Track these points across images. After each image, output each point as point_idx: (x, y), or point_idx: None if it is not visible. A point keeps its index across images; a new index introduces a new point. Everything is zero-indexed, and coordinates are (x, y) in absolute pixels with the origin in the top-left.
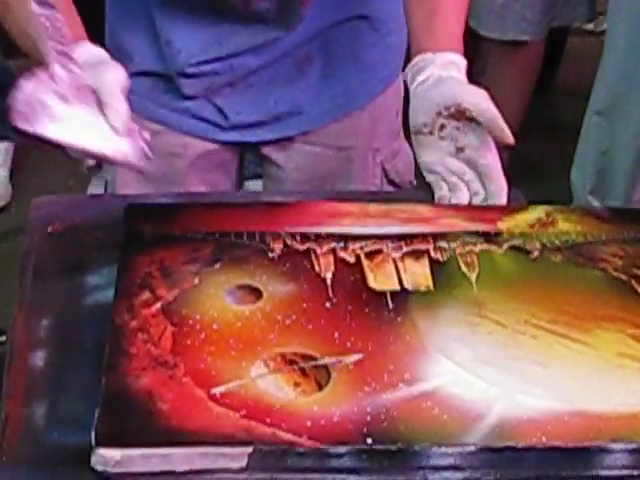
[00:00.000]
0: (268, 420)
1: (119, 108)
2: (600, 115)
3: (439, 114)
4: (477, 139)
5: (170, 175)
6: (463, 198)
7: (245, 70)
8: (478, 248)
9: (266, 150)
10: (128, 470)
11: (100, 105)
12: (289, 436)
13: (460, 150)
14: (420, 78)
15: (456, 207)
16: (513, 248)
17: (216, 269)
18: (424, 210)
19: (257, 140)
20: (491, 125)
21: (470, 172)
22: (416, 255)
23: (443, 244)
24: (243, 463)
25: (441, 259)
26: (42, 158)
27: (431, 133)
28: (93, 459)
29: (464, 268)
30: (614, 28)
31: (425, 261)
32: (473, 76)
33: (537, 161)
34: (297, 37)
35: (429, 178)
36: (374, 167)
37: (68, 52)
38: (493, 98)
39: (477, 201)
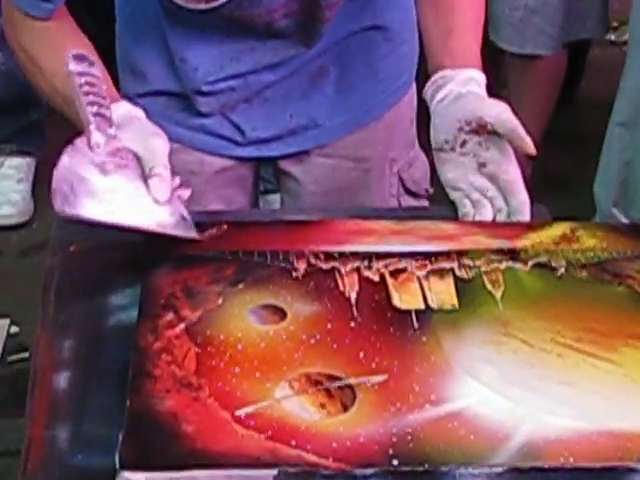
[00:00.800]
0: (293, 442)
1: (167, 178)
2: (623, 126)
3: (460, 130)
4: (499, 153)
5: None
6: (487, 215)
7: (260, 85)
8: (503, 265)
9: (283, 164)
10: None
11: (143, 172)
12: (314, 458)
13: (482, 165)
14: (439, 96)
15: (480, 224)
16: (538, 265)
17: (240, 289)
18: (448, 228)
19: (274, 155)
20: (512, 136)
21: (493, 188)
22: (441, 273)
23: (468, 262)
24: None
25: (466, 277)
26: None
27: (453, 149)
28: None
29: (489, 286)
30: (636, 38)
31: (450, 279)
32: (494, 89)
33: (560, 174)
34: (311, 51)
35: (452, 195)
36: (391, 177)
37: (106, 114)
38: (515, 111)
39: (501, 217)
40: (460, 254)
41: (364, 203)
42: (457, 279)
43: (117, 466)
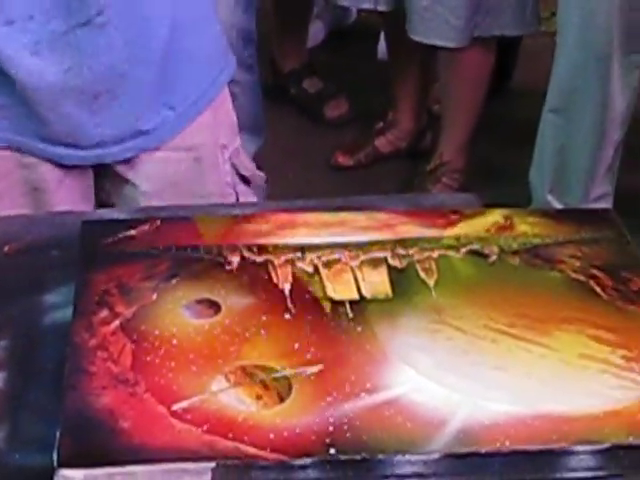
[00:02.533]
0: (230, 434)
1: None
2: (555, 113)
3: None
4: None
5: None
6: None
7: (106, 83)
8: (436, 254)
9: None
10: None
11: None
12: (252, 450)
13: None
14: None
15: (412, 213)
16: (471, 252)
17: (174, 284)
18: (380, 217)
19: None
20: None
21: None
22: (374, 263)
23: (401, 251)
24: (207, 478)
25: (399, 266)
26: None
27: None
28: None
29: (422, 274)
30: (565, 27)
31: (383, 269)
32: (429, 82)
33: (496, 163)
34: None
35: None
36: (224, 164)
37: None
38: (445, 105)
39: None
40: (393, 243)
41: (201, 195)
42: (390, 268)
43: (55, 464)
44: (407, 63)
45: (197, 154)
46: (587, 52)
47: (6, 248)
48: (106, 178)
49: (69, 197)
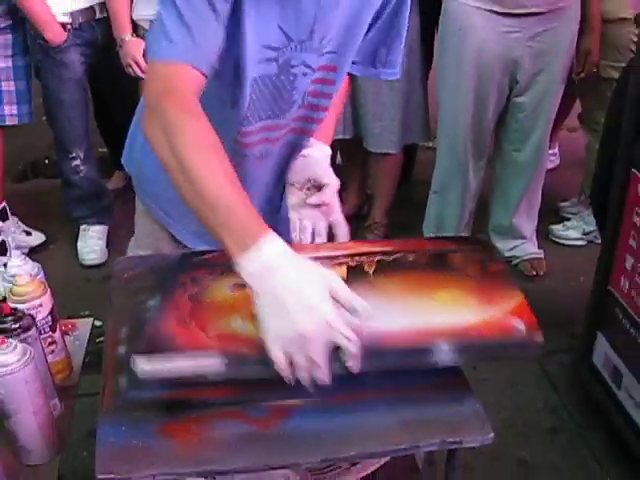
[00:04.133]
0: (239, 343)
1: None
2: (436, 194)
3: (307, 181)
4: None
5: None
6: (307, 236)
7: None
8: (375, 259)
9: None
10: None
11: None
12: (248, 351)
13: (318, 205)
14: (305, 152)
15: (367, 242)
16: (395, 259)
17: (224, 276)
18: (349, 244)
19: None
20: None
21: (322, 218)
22: (340, 264)
23: (357, 259)
24: (224, 367)
25: (353, 265)
26: (124, 236)
27: (300, 189)
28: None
29: (367, 268)
30: (440, 144)
31: (344, 268)
32: (365, 176)
33: (404, 223)
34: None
35: (290, 215)
36: None
37: None
38: (374, 190)
39: (318, 240)
40: (353, 255)
41: None
42: (349, 267)
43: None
44: (353, 166)
45: None
46: (453, 160)
47: (125, 275)
48: None
49: None
